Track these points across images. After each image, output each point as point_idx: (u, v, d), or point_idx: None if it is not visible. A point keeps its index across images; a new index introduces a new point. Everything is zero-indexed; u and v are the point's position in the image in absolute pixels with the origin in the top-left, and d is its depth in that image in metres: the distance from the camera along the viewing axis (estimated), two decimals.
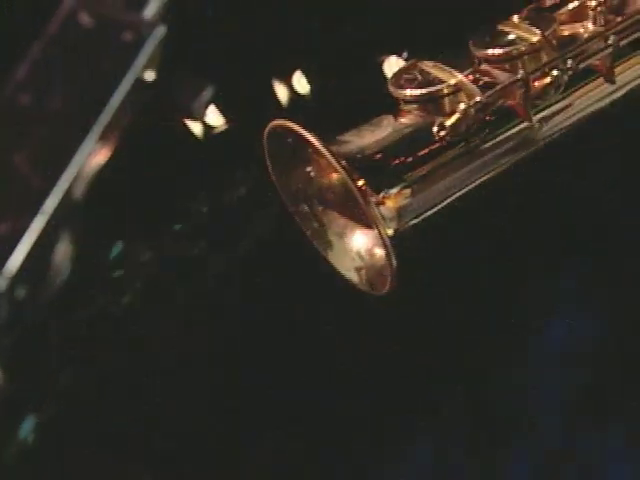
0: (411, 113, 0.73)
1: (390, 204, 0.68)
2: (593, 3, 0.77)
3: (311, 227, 0.77)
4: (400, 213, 0.69)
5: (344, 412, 1.08)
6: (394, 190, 0.69)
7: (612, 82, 0.77)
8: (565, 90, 0.76)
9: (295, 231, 0.78)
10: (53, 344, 1.18)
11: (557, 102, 0.76)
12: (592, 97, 0.77)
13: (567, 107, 0.77)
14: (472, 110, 0.71)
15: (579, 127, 0.78)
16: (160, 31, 0.62)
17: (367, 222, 0.70)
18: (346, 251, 0.75)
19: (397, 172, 0.70)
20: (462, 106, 0.71)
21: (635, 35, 0.78)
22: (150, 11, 0.63)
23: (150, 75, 0.62)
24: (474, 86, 0.73)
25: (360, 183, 0.67)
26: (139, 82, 0.61)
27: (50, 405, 1.18)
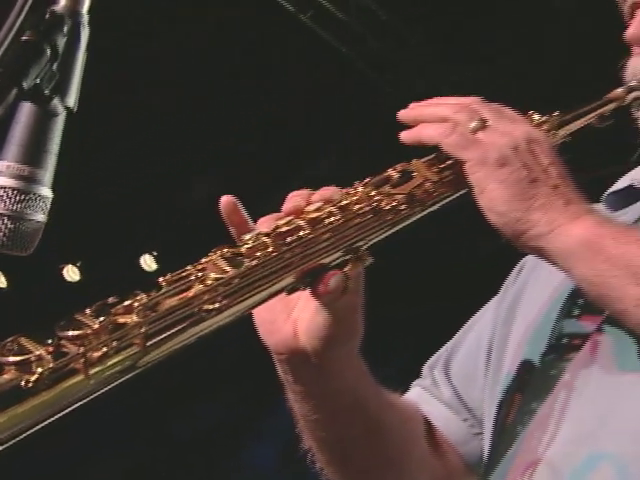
0: (10, 371, 1.14)
1: None
2: (132, 301, 1.20)
3: None
4: None
5: None
6: None
7: (140, 367, 1.20)
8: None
9: None
10: None
11: (116, 365, 1.19)
12: (115, 375, 1.19)
13: (123, 371, 1.19)
14: (46, 372, 1.13)
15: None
16: None
17: None
18: None
19: None
20: (40, 369, 1.13)
21: (167, 332, 1.22)
22: None
23: None
24: (49, 356, 1.15)
25: None
26: None
27: None
